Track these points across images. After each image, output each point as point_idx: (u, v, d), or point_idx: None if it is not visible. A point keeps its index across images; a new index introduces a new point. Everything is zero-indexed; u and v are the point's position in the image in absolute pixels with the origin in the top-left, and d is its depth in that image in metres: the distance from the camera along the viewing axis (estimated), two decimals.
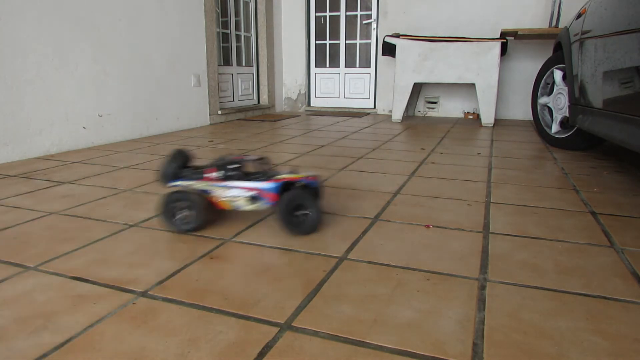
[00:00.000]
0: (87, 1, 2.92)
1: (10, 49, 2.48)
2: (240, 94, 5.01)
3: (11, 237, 1.38)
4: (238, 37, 4.97)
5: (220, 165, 1.40)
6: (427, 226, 1.47)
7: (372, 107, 5.55)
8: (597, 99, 2.27)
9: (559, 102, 3.05)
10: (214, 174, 1.40)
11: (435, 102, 5.28)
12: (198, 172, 1.41)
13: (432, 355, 0.81)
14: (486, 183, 2.06)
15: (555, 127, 3.10)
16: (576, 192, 1.92)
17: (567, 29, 2.87)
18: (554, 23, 4.41)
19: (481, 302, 0.99)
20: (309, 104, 5.83)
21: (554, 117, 3.12)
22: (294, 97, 5.81)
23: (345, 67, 5.60)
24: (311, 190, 1.39)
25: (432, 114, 5.34)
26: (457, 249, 1.29)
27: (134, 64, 3.34)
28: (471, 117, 5.11)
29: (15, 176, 2.17)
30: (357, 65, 5.55)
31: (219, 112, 4.39)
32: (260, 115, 5.14)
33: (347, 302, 0.99)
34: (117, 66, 3.19)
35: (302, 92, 5.77)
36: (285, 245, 1.31)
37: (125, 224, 1.49)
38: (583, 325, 0.91)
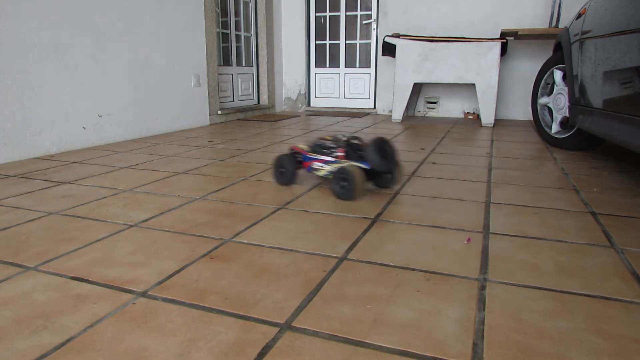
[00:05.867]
0: (87, 1, 2.92)
1: (10, 49, 2.48)
2: (240, 94, 5.01)
3: (11, 237, 1.38)
4: (238, 37, 4.97)
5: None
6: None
7: (372, 107, 5.55)
8: (597, 99, 2.27)
9: (559, 102, 3.05)
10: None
11: (435, 102, 5.28)
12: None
13: (432, 355, 0.81)
14: (486, 183, 2.06)
15: (555, 127, 3.10)
16: (576, 192, 1.92)
17: (567, 29, 2.87)
18: (554, 23, 4.41)
19: (481, 302, 0.99)
20: (309, 104, 5.83)
21: (554, 117, 3.12)
22: (294, 97, 5.81)
23: (345, 67, 5.60)
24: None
25: (432, 114, 5.33)
26: (457, 249, 1.29)
27: (134, 64, 3.34)
28: (471, 117, 5.11)
29: (15, 176, 2.17)
30: (357, 66, 5.55)
31: (219, 112, 4.40)
32: (260, 115, 5.14)
33: (347, 302, 0.99)
34: (117, 66, 3.19)
35: (302, 92, 5.76)
36: (285, 245, 1.31)
37: (125, 224, 1.49)
38: (583, 325, 0.91)
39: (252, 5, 5.14)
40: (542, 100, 3.26)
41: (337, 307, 0.97)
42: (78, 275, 1.12)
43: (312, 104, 5.83)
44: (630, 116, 1.90)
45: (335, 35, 5.57)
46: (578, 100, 2.58)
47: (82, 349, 0.83)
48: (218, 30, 4.60)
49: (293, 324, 0.91)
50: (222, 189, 1.94)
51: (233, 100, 4.89)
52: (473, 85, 4.77)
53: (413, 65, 4.41)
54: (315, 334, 0.87)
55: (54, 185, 2.00)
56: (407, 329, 0.89)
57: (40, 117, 2.67)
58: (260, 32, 5.22)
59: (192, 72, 3.99)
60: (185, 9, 3.84)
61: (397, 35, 4.44)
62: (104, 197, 1.81)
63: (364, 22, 5.44)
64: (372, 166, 1.81)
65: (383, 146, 1.81)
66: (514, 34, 4.23)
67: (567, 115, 2.88)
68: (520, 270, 1.16)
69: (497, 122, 4.72)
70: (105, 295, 1.02)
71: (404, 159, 2.63)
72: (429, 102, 5.31)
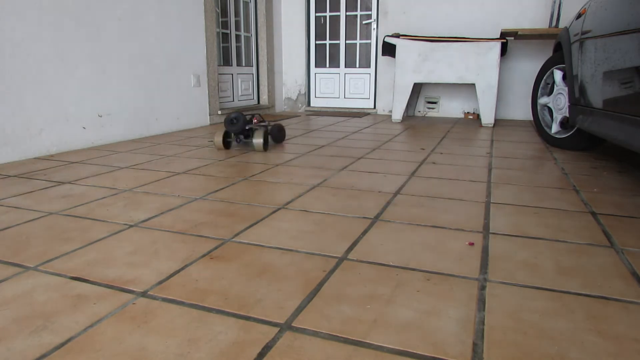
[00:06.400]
0: (87, 1, 2.92)
1: (10, 49, 2.48)
2: (240, 94, 5.01)
3: (11, 237, 1.38)
4: (238, 37, 4.97)
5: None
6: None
7: (372, 107, 5.55)
8: (597, 99, 2.27)
9: (559, 102, 3.05)
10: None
11: (435, 102, 5.28)
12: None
13: (432, 355, 0.81)
14: (486, 183, 2.06)
15: (555, 127, 3.10)
16: (576, 192, 1.92)
17: (567, 29, 2.87)
18: (554, 23, 4.41)
19: (481, 302, 0.99)
20: (309, 104, 5.83)
21: (554, 117, 3.12)
22: (294, 97, 5.81)
23: (345, 67, 5.60)
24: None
25: (432, 114, 5.34)
26: (457, 249, 1.29)
27: (134, 64, 3.34)
28: (471, 117, 5.11)
29: (15, 176, 2.17)
30: (357, 66, 5.55)
31: (219, 112, 4.40)
32: None
33: (347, 302, 0.99)
34: (117, 66, 3.19)
35: (302, 92, 5.77)
36: (285, 245, 1.31)
37: (125, 224, 1.49)
38: (583, 325, 0.91)
39: (252, 5, 5.14)
40: (542, 100, 3.26)
41: (337, 307, 0.97)
42: (78, 275, 1.12)
43: (312, 104, 5.83)
44: (630, 116, 1.90)
45: (335, 35, 5.57)
46: (578, 100, 2.58)
47: (82, 349, 0.83)
48: (218, 30, 4.60)
49: (293, 324, 0.91)
50: (222, 189, 1.94)
51: (233, 100, 4.89)
52: (473, 85, 4.77)
53: (413, 65, 4.41)
54: (315, 334, 0.87)
55: (54, 185, 2.00)
56: (407, 329, 0.89)
57: (40, 117, 2.68)
58: (260, 32, 5.22)
59: (192, 72, 3.99)
60: (185, 9, 3.84)
61: (397, 35, 4.44)
62: (104, 197, 1.81)
63: (364, 22, 5.44)
64: (225, 129, 2.89)
65: (234, 117, 2.83)
66: (514, 34, 4.23)
67: (567, 115, 2.88)
68: (520, 270, 1.16)
69: (497, 122, 4.72)
70: (105, 295, 1.02)
71: (404, 158, 2.63)
72: (429, 102, 5.31)
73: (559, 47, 3.12)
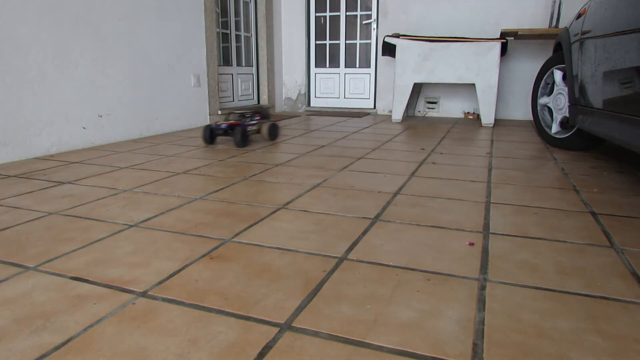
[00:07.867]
0: (87, 1, 2.92)
1: (10, 49, 2.48)
2: (240, 94, 5.01)
3: (11, 237, 1.38)
4: (238, 37, 4.97)
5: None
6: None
7: (372, 107, 5.55)
8: (597, 99, 2.27)
9: (559, 102, 3.05)
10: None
11: (435, 102, 5.28)
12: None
13: (432, 355, 0.81)
14: (486, 183, 2.06)
15: (555, 127, 3.10)
16: (576, 193, 1.92)
17: (567, 29, 2.87)
18: (554, 23, 4.41)
19: (481, 302, 0.99)
20: (309, 104, 5.83)
21: (554, 117, 3.12)
22: (294, 97, 5.80)
23: (345, 67, 5.59)
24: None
25: (432, 114, 5.33)
26: (457, 249, 1.29)
27: (134, 64, 3.34)
28: (471, 117, 5.11)
29: (15, 176, 2.17)
30: (357, 66, 5.55)
31: (219, 112, 4.39)
32: None
33: (347, 302, 0.99)
34: (117, 66, 3.19)
35: (302, 92, 5.76)
36: (285, 245, 1.31)
37: (125, 224, 1.49)
38: (583, 325, 0.91)
39: (252, 5, 5.14)
40: (542, 100, 3.26)
41: (337, 307, 0.97)
42: (78, 275, 1.12)
43: (312, 104, 5.83)
44: (630, 116, 1.90)
45: (335, 35, 5.57)
46: (578, 100, 2.58)
47: (82, 349, 0.83)
48: (218, 30, 4.59)
49: (293, 324, 0.91)
50: (222, 189, 1.94)
51: (233, 100, 4.89)
52: (473, 85, 4.77)
53: (413, 65, 4.41)
54: (315, 334, 0.87)
55: (54, 185, 2.00)
56: (407, 329, 0.89)
57: (40, 117, 2.67)
58: (260, 32, 5.22)
59: (192, 72, 3.99)
60: (186, 9, 3.84)
61: (397, 35, 4.44)
62: (104, 197, 1.81)
63: (364, 22, 5.44)
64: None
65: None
66: (514, 34, 4.23)
67: (567, 115, 2.88)
68: (520, 270, 1.16)
69: (497, 122, 4.72)
70: (105, 295, 1.02)
71: (404, 158, 2.63)
72: (429, 102, 5.31)
73: (559, 47, 3.12)
